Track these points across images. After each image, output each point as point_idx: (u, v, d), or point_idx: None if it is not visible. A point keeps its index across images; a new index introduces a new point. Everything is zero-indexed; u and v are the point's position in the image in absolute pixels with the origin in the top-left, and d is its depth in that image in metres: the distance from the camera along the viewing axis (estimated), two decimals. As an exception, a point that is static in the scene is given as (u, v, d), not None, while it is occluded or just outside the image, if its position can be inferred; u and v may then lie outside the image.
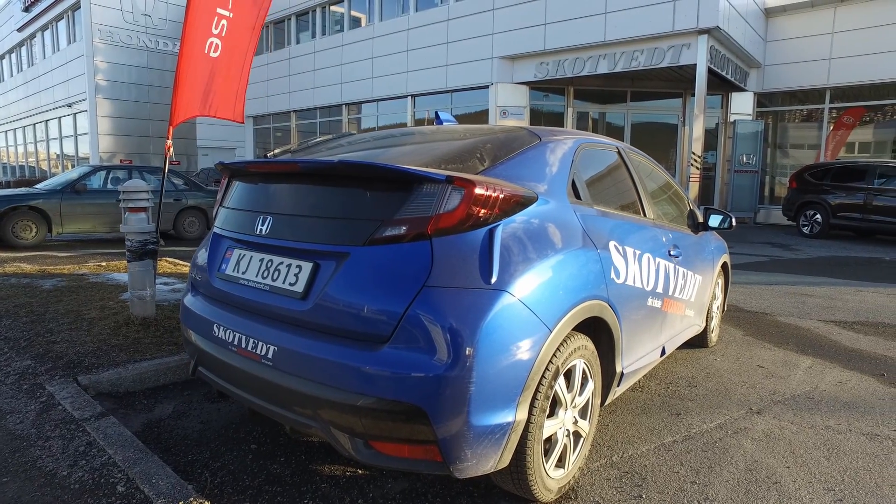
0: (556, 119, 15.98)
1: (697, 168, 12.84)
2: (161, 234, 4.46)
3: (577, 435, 2.23)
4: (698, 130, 12.66)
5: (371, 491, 2.16)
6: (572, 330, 2.06)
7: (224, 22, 4.17)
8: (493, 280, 1.78)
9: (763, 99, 15.31)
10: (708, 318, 4.02)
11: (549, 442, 2.08)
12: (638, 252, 2.61)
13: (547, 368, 1.90)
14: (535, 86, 15.41)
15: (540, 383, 1.88)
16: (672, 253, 3.06)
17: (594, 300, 2.15)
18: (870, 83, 13.65)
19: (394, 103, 18.93)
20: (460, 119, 14.95)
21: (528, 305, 1.82)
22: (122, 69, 23.57)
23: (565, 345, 2.00)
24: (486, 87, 15.73)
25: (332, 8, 21.05)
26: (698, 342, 4.10)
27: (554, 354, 1.93)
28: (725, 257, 4.35)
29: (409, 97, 18.14)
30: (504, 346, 1.75)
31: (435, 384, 1.67)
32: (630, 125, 15.90)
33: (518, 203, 1.96)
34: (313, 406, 1.84)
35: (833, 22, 13.94)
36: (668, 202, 3.56)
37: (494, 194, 1.88)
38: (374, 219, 1.89)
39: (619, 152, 2.98)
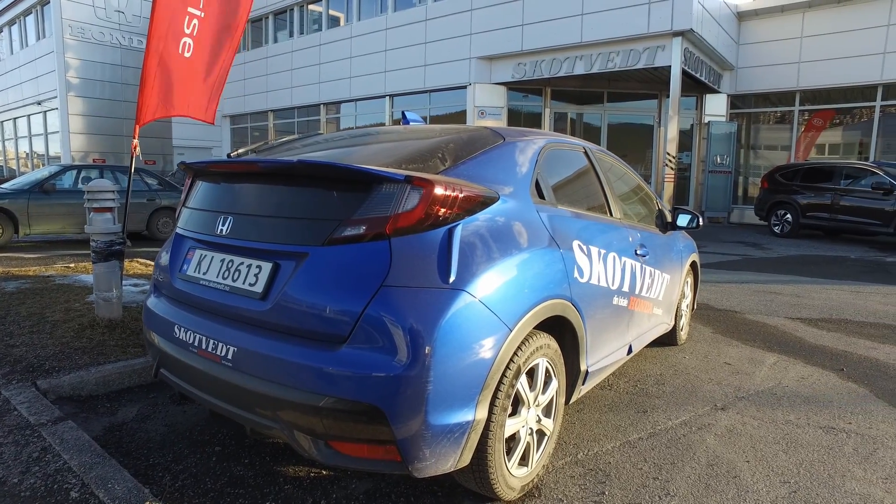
0: (534, 119, 16.06)
1: (672, 168, 13.01)
2: (134, 234, 4.38)
3: (540, 433, 2.25)
4: (673, 131, 12.83)
5: (335, 492, 2.15)
6: (535, 329, 2.08)
7: (196, 21, 4.11)
8: (452, 279, 1.78)
9: (736, 101, 15.57)
10: (677, 317, 4.08)
11: (512, 440, 2.09)
12: (603, 251, 2.63)
13: (508, 367, 1.91)
14: (512, 86, 15.48)
15: (500, 382, 1.89)
16: (639, 252, 3.10)
17: (557, 299, 2.17)
18: (837, 86, 13.97)
19: (372, 103, 18.85)
20: (438, 119, 14.94)
21: (488, 305, 1.83)
22: (95, 66, 23.09)
23: (527, 344, 2.01)
24: (464, 87, 15.75)
25: (311, 7, 20.90)
26: (668, 340, 4.16)
27: (515, 353, 1.94)
28: (694, 256, 4.42)
29: (388, 97, 18.08)
30: (463, 345, 1.75)
31: (393, 384, 1.67)
32: (607, 126, 16.05)
33: (478, 203, 1.97)
34: (272, 407, 1.83)
35: (802, 26, 14.24)
36: (637, 202, 3.61)
37: (454, 194, 1.88)
38: (334, 219, 1.88)
39: (586, 153, 3.01)
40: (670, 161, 12.92)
